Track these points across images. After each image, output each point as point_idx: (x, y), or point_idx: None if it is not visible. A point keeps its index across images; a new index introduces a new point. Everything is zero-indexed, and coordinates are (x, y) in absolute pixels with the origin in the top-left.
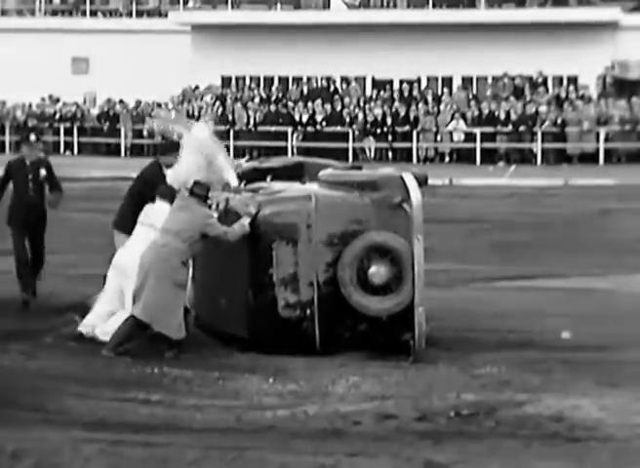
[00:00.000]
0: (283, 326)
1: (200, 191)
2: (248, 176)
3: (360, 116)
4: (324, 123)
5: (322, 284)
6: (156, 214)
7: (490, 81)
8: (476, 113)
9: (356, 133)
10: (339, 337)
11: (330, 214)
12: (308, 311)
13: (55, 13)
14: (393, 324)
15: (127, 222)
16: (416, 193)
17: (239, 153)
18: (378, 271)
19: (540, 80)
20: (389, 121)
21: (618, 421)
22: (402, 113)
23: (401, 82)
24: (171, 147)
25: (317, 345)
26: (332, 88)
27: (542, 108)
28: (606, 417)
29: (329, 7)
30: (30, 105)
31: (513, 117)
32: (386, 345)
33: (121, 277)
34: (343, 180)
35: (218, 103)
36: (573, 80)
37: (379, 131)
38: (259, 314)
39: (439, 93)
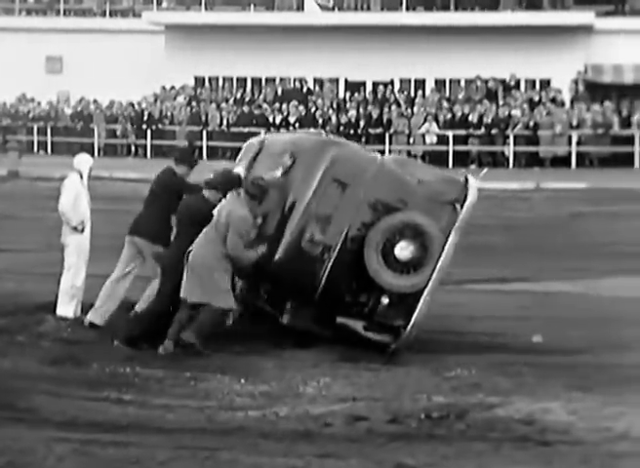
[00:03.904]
0: (299, 256)
1: (254, 191)
2: None
3: (333, 118)
4: (297, 124)
5: (349, 238)
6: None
7: (463, 84)
8: (449, 116)
9: (329, 134)
10: (339, 297)
11: (385, 182)
12: (326, 255)
13: (29, 12)
14: (391, 308)
15: (149, 229)
16: (472, 197)
17: (212, 154)
18: (406, 247)
19: (512, 83)
20: (362, 123)
21: (587, 425)
22: (375, 115)
23: (374, 84)
24: (187, 156)
25: (317, 293)
26: (305, 89)
27: (515, 111)
28: (576, 421)
29: (303, 8)
30: (5, 104)
31: (486, 120)
32: (376, 326)
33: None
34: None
35: (191, 104)
36: (546, 83)
37: (352, 133)
38: (288, 239)
39: (412, 95)
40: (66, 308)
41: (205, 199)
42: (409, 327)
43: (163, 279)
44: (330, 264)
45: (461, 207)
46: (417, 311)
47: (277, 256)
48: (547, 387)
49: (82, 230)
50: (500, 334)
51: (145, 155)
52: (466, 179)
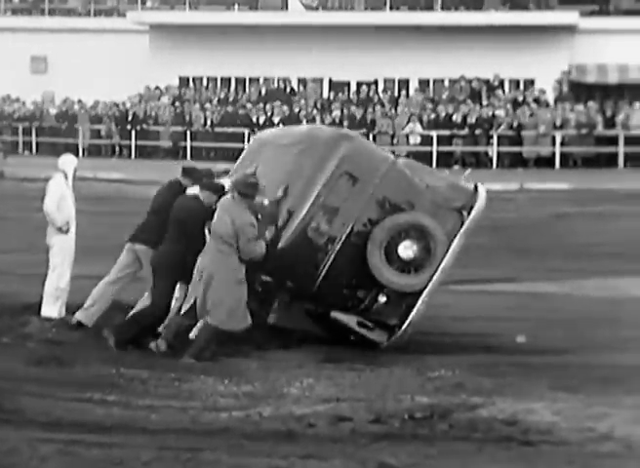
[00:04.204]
0: (303, 243)
1: (249, 191)
2: None
3: (317, 118)
4: (281, 124)
5: (354, 232)
6: None
7: (447, 84)
8: (433, 116)
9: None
10: (337, 289)
11: (395, 182)
12: (329, 246)
13: (14, 12)
14: (388, 307)
15: (151, 236)
16: (480, 204)
17: (196, 154)
18: (410, 247)
19: (496, 83)
20: (346, 123)
21: (571, 425)
22: (359, 116)
23: (358, 84)
24: (194, 172)
25: (316, 283)
26: (288, 89)
27: (499, 112)
28: (559, 421)
29: (287, 8)
30: None
31: (470, 120)
32: (371, 323)
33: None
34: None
35: (175, 104)
36: (530, 84)
37: None
38: (295, 226)
39: (396, 95)
40: (51, 309)
41: (199, 200)
42: (404, 326)
43: (155, 280)
44: (332, 255)
45: (468, 214)
46: (413, 312)
47: (283, 242)
48: (531, 388)
49: (67, 231)
50: (484, 335)
51: (130, 155)
52: (476, 187)
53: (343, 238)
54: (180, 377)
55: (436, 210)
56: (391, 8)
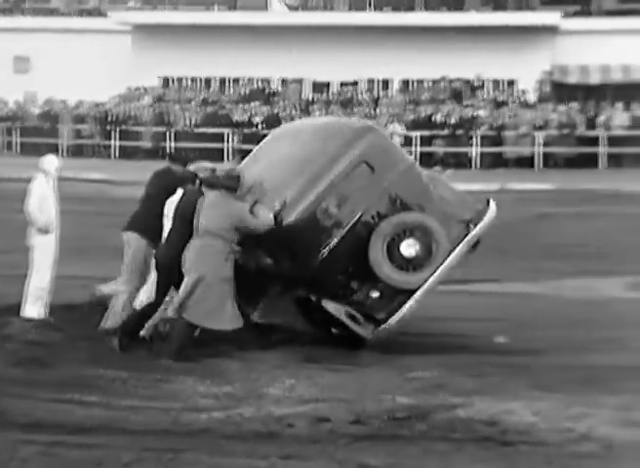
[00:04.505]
0: (311, 222)
1: (230, 183)
2: None
3: (298, 118)
4: (262, 125)
5: (361, 222)
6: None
7: (429, 84)
8: (414, 116)
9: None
10: (333, 274)
11: (410, 183)
12: (335, 230)
13: None
14: (380, 301)
15: (144, 225)
16: (489, 217)
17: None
18: (412, 245)
19: (478, 84)
20: None
21: (550, 426)
22: (340, 116)
23: (340, 84)
24: (179, 156)
25: (315, 264)
26: (270, 90)
27: (480, 112)
28: (538, 422)
29: (268, 8)
30: None
31: (451, 121)
32: (358, 316)
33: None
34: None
35: (156, 104)
36: (511, 84)
37: None
38: (306, 204)
39: (377, 96)
40: (32, 309)
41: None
42: (390, 320)
43: (159, 277)
44: (336, 240)
45: (475, 226)
46: (404, 308)
47: (290, 218)
48: (510, 388)
49: (48, 232)
50: (464, 335)
51: (111, 156)
52: (488, 202)
53: (350, 225)
54: (160, 378)
55: (444, 218)
56: (374, 8)
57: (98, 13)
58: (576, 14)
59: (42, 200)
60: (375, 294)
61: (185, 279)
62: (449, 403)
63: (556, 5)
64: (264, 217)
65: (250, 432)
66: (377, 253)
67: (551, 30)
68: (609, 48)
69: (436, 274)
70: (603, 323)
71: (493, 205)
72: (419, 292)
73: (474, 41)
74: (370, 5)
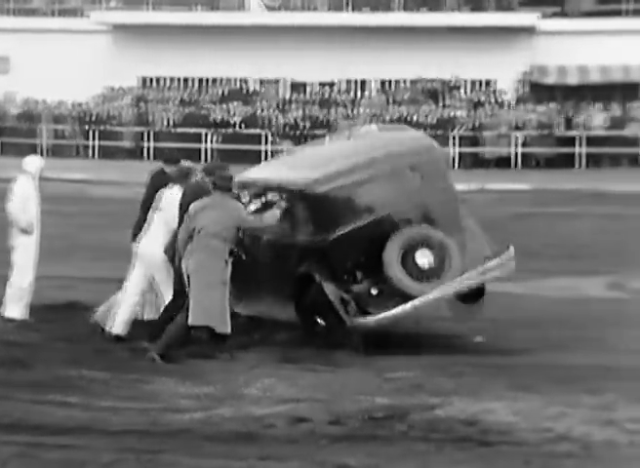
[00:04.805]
0: (341, 199)
1: (224, 183)
2: None
3: (277, 119)
4: (241, 125)
5: (387, 219)
6: (169, 198)
7: (407, 85)
8: (393, 117)
9: (273, 135)
10: (342, 259)
11: (445, 206)
12: (365, 214)
13: None
14: (375, 300)
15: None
16: (506, 271)
17: (158, 155)
18: (427, 256)
19: (456, 84)
20: (306, 124)
21: (529, 425)
22: (319, 116)
23: (318, 85)
24: (173, 158)
25: (334, 235)
26: (249, 90)
27: (459, 112)
28: (518, 421)
29: (248, 8)
30: None
31: (430, 121)
32: (353, 304)
33: (149, 266)
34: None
35: (137, 104)
36: (490, 84)
37: (295, 134)
38: (343, 181)
39: (356, 96)
40: (14, 309)
41: (206, 183)
42: (371, 318)
43: (175, 274)
44: (358, 225)
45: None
46: (392, 311)
47: (325, 188)
48: (489, 388)
49: (31, 232)
50: (442, 335)
51: (92, 156)
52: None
53: (376, 218)
54: (140, 379)
55: (463, 248)
56: (352, 9)
57: (78, 13)
58: (554, 15)
59: (25, 200)
60: (374, 292)
61: (193, 282)
62: (428, 403)
63: (534, 6)
64: (269, 216)
65: (229, 432)
66: (392, 253)
67: (529, 31)
68: (587, 49)
69: (439, 291)
70: (582, 322)
71: (511, 251)
72: (420, 299)
73: (452, 41)
74: (348, 5)
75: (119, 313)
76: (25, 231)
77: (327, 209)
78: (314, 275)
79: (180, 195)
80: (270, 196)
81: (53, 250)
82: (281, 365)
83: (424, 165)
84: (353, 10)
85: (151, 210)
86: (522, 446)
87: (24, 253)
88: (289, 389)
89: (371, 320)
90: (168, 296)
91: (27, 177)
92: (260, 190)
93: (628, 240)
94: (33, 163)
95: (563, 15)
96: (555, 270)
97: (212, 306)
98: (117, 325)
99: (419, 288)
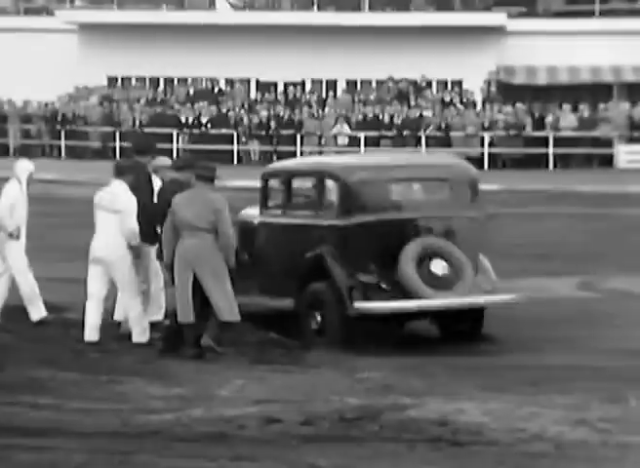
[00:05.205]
0: (370, 188)
1: (208, 173)
2: None
3: (245, 119)
4: (209, 125)
5: (414, 221)
6: (113, 195)
7: (374, 85)
8: (360, 117)
9: (241, 135)
10: (360, 246)
11: (468, 231)
12: (387, 211)
13: None
14: (379, 294)
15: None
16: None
17: (126, 155)
18: (441, 265)
19: (424, 84)
20: (273, 124)
21: (501, 426)
22: (286, 116)
23: (285, 85)
24: (148, 147)
25: (354, 222)
26: (216, 89)
27: (427, 112)
28: (490, 422)
29: (214, 7)
30: None
31: (397, 121)
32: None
33: (107, 268)
34: None
35: (104, 104)
36: (457, 84)
37: (263, 134)
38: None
39: (323, 96)
40: (38, 310)
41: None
42: (380, 305)
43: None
44: (388, 218)
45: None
46: (399, 303)
47: (356, 177)
48: (461, 388)
49: (17, 237)
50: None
51: (59, 156)
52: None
53: (403, 216)
54: (111, 380)
55: (475, 269)
56: (319, 8)
57: (45, 12)
58: (521, 14)
59: (12, 205)
60: (384, 285)
61: (205, 282)
62: (399, 403)
63: (503, 6)
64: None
65: (201, 433)
66: (409, 256)
67: (498, 31)
68: (555, 49)
69: (448, 300)
70: (553, 322)
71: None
72: (422, 302)
73: (420, 41)
74: (313, 5)
75: (89, 319)
76: (12, 236)
77: (357, 195)
78: (325, 258)
79: (127, 190)
80: (297, 183)
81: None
82: (252, 365)
83: (457, 181)
84: (319, 9)
85: (98, 210)
86: (495, 446)
87: (19, 256)
88: (260, 390)
89: (375, 307)
90: (128, 295)
91: (15, 182)
92: (289, 176)
93: (598, 240)
94: (22, 167)
95: (530, 15)
96: (526, 270)
97: (226, 299)
98: (89, 331)
99: (428, 292)
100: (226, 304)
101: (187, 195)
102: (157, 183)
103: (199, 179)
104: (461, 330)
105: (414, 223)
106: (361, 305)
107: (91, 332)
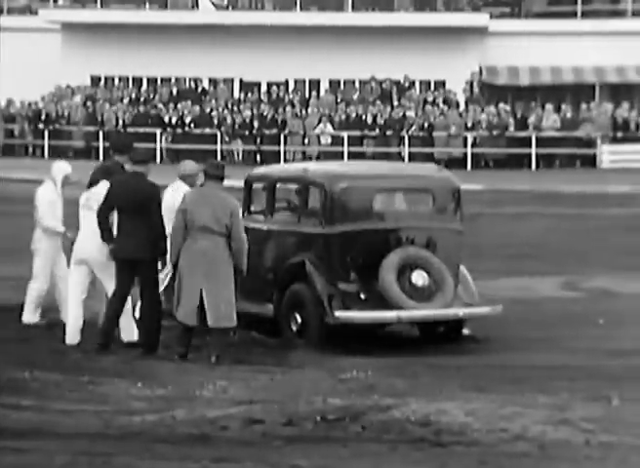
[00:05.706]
0: (356, 195)
1: (216, 172)
2: None
3: (228, 118)
4: (192, 125)
5: (396, 230)
6: (99, 196)
7: (357, 84)
8: (343, 117)
9: (225, 135)
10: (342, 254)
11: (450, 242)
12: (372, 220)
13: None
14: (359, 303)
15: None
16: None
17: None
18: (422, 276)
19: (407, 84)
20: (257, 123)
21: (484, 426)
22: (269, 116)
23: (269, 84)
24: (125, 145)
25: (338, 229)
26: (200, 89)
27: (410, 112)
28: (472, 422)
29: (197, 7)
30: None
31: (380, 121)
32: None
33: (92, 268)
34: None
35: (87, 104)
36: (440, 85)
37: (247, 133)
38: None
39: (307, 96)
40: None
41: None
42: (360, 315)
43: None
44: (371, 227)
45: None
46: (379, 314)
47: (345, 184)
48: (443, 388)
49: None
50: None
51: (42, 155)
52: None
53: (386, 225)
54: (93, 381)
55: (456, 282)
56: (301, 8)
57: (28, 11)
58: (504, 15)
59: (51, 205)
60: (363, 296)
61: (213, 286)
62: (382, 404)
63: (485, 6)
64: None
65: (182, 435)
66: (390, 263)
67: (480, 31)
68: (538, 49)
69: (426, 311)
70: (536, 322)
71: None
72: (402, 313)
73: (403, 41)
74: (296, 5)
75: (70, 321)
76: (66, 235)
77: (340, 204)
78: (306, 264)
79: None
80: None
81: (3, 250)
82: (234, 366)
83: (440, 192)
84: (302, 9)
85: (84, 210)
86: (477, 446)
87: (44, 256)
88: (242, 390)
89: (355, 316)
90: (110, 290)
91: (50, 183)
92: (273, 182)
93: (581, 240)
94: (58, 168)
95: (513, 15)
96: (509, 270)
97: (230, 304)
98: (70, 334)
99: (408, 302)
100: (228, 310)
101: (200, 194)
102: (184, 190)
103: (209, 178)
104: (441, 332)
105: (396, 233)
106: (341, 314)
107: (72, 335)
